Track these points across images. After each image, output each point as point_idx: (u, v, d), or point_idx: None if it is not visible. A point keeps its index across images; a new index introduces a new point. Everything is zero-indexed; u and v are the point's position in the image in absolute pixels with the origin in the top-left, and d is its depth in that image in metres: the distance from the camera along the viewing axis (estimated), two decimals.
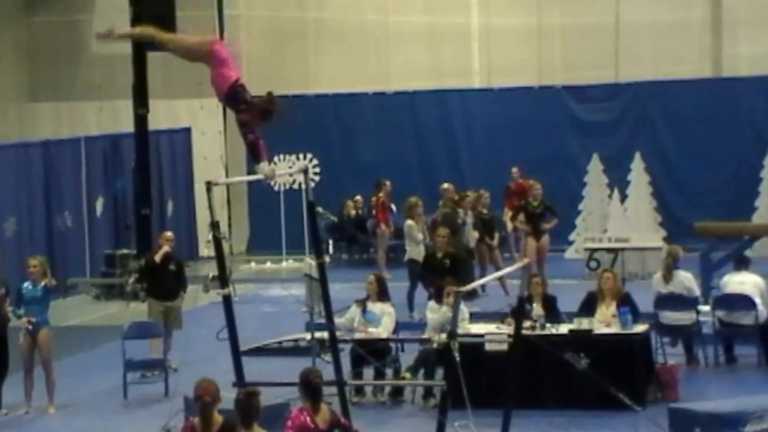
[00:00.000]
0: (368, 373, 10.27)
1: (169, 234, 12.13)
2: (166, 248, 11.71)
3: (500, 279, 12.76)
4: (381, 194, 16.84)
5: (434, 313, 10.49)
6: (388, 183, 17.01)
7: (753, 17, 17.67)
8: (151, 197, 16.22)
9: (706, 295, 11.91)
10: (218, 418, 6.09)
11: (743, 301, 11.00)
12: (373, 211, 17.24)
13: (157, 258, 11.69)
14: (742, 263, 11.49)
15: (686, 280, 11.20)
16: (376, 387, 10.17)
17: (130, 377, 10.73)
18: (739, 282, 11.20)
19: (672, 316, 11.04)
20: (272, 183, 7.74)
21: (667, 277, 11.14)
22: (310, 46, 19.53)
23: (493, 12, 18.99)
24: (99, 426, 9.88)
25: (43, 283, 10.27)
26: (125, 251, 16.29)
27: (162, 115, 17.57)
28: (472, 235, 14.78)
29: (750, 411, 8.59)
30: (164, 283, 11.65)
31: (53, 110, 19.13)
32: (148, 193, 16.10)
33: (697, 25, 18.07)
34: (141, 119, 15.88)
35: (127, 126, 16.45)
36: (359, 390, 10.24)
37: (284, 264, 17.92)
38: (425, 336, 10.43)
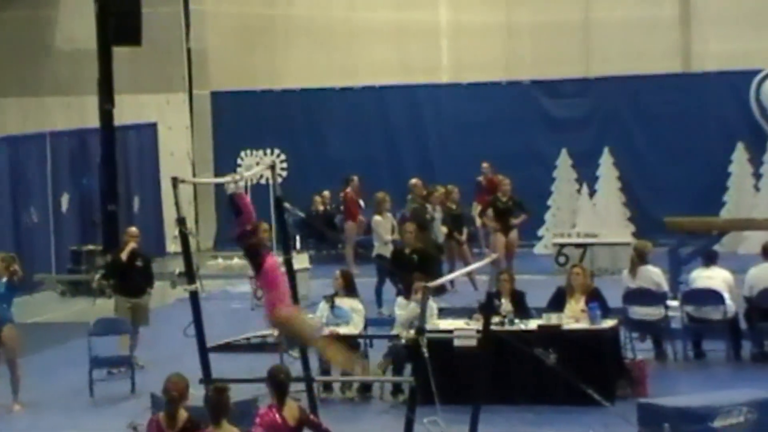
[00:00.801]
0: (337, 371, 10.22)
1: (134, 230, 12.02)
2: (132, 245, 11.60)
3: (469, 274, 12.74)
4: (349, 189, 16.78)
5: (403, 309, 10.46)
6: (356, 178, 16.95)
7: (721, 14, 17.79)
8: (117, 193, 16.08)
9: (675, 290, 11.95)
10: (183, 414, 6.03)
11: (712, 296, 11.04)
12: (341, 207, 17.18)
13: (124, 255, 11.58)
14: (710, 258, 11.53)
15: (655, 275, 11.22)
16: (344, 383, 10.11)
17: (97, 374, 10.62)
18: (707, 277, 11.24)
19: (641, 312, 11.05)
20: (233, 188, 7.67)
21: (633, 272, 11.16)
22: (277, 41, 19.43)
23: (461, 8, 18.97)
24: (65, 424, 9.78)
25: (4, 279, 10.12)
26: (92, 247, 16.14)
27: (128, 111, 17.40)
28: (441, 231, 14.76)
29: (719, 406, 8.62)
30: (131, 279, 11.57)
31: (19, 105, 18.89)
32: (114, 189, 15.95)
33: (667, 21, 18.15)
34: (107, 114, 15.73)
35: (94, 121, 16.29)
36: (327, 386, 10.18)
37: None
38: (394, 332, 10.39)
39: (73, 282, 15.92)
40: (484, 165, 16.99)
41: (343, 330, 10.26)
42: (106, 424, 9.38)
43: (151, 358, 11.34)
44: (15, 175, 15.86)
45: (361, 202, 17.15)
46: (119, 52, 15.78)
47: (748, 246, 15.34)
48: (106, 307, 13.33)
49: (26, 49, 18.75)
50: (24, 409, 10.16)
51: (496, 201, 15.18)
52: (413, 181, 15.34)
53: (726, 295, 11.04)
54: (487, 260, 8.23)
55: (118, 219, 15.79)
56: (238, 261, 17.86)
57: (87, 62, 16.46)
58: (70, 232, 16.72)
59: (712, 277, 11.19)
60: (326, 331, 9.86)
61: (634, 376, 9.97)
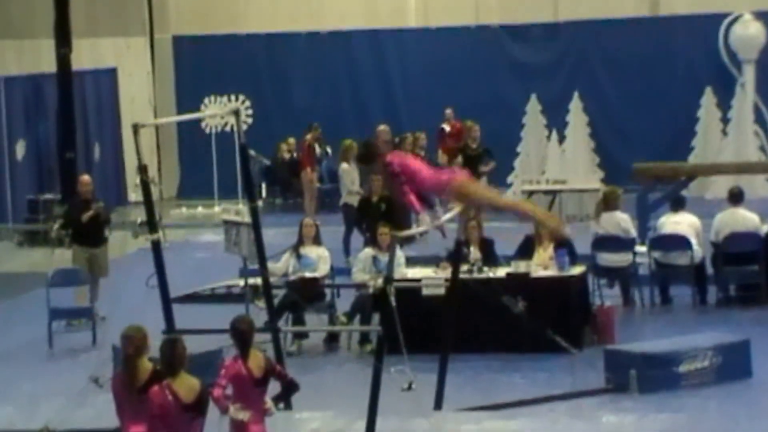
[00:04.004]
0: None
1: (86, 178, 11.76)
2: (91, 209, 11.23)
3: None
4: (309, 137, 16.49)
5: (361, 261, 10.34)
6: (316, 125, 16.69)
7: None
8: (75, 141, 15.76)
9: (643, 237, 11.95)
10: (147, 366, 5.89)
11: (679, 242, 11.06)
12: (299, 155, 16.95)
13: (85, 217, 11.22)
14: (678, 204, 11.53)
15: (623, 221, 11.22)
16: (294, 335, 9.99)
17: (56, 326, 10.46)
18: (675, 223, 11.26)
19: (609, 258, 11.07)
20: (204, 126, 7.58)
21: (597, 218, 11.14)
22: None
23: None
24: (24, 375, 9.63)
25: None
26: (49, 196, 15.88)
27: (86, 56, 17.00)
28: None
29: (684, 351, 8.73)
30: (86, 229, 11.28)
31: None
32: (72, 137, 15.64)
33: None
34: (63, 59, 15.33)
35: (49, 66, 15.88)
36: (299, 336, 10.05)
37: (216, 209, 17.61)
38: (353, 275, 10.27)
39: (30, 232, 15.68)
40: (448, 111, 16.82)
41: (308, 275, 10.13)
42: (66, 377, 9.23)
43: (113, 310, 11.16)
44: None
45: (329, 150, 16.95)
46: None
47: (716, 191, 15.40)
48: (64, 257, 13.13)
49: None
50: None
51: (465, 148, 15.07)
52: (381, 127, 15.14)
53: (693, 241, 11.07)
54: (456, 209, 8.12)
55: (76, 167, 15.50)
56: (202, 210, 17.69)
57: (41, 3, 15.99)
58: (26, 181, 16.44)
59: (679, 223, 11.21)
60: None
61: (601, 322, 10.00)
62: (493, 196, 7.45)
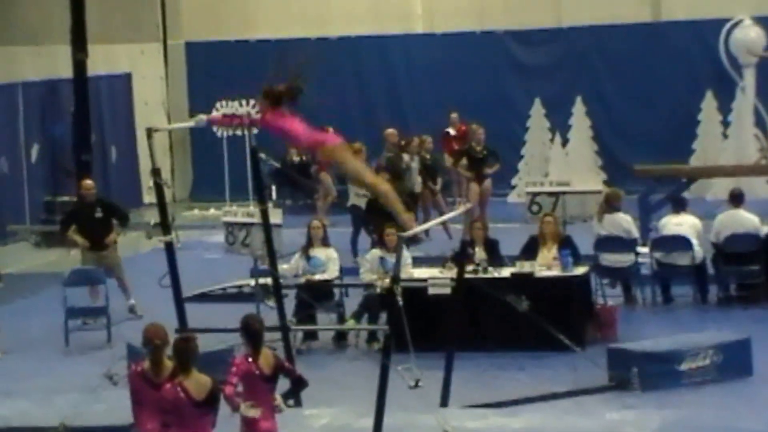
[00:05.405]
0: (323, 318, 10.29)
1: (88, 182, 11.79)
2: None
3: (443, 223, 12.83)
4: None
5: (368, 261, 10.50)
6: (331, 129, 16.87)
7: None
8: (91, 144, 15.99)
9: (645, 237, 12.10)
10: (168, 363, 6.06)
11: (680, 242, 11.19)
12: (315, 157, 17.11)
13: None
14: (679, 205, 11.67)
15: (625, 222, 11.35)
16: (304, 335, 10.11)
17: (72, 324, 10.62)
18: (676, 223, 11.38)
19: (611, 258, 11.19)
20: (216, 130, 7.86)
21: (600, 219, 11.28)
22: None
23: None
24: (40, 371, 9.80)
25: None
26: (66, 198, 16.08)
27: (101, 60, 17.23)
28: (418, 180, 14.83)
29: (685, 349, 8.83)
30: (92, 232, 11.32)
31: None
32: (87, 140, 15.84)
33: None
34: (80, 64, 15.55)
35: (64, 71, 16.11)
36: (308, 335, 10.21)
37: (236, 209, 17.82)
38: (361, 275, 10.43)
39: (47, 233, 15.88)
40: (453, 115, 17.01)
41: (318, 277, 10.33)
42: (81, 373, 9.39)
43: (127, 308, 11.40)
44: None
45: None
46: (91, 1, 15.59)
47: (716, 192, 15.53)
48: (79, 258, 13.34)
49: None
50: (5, 356, 10.20)
51: (470, 150, 15.24)
52: (389, 130, 15.35)
53: (694, 241, 11.19)
54: (461, 209, 8.31)
55: (91, 169, 15.72)
56: (214, 211, 17.89)
57: (57, 10, 16.24)
58: (42, 183, 16.60)
59: (680, 224, 11.33)
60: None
61: (604, 321, 10.13)
62: (359, 168, 7.29)
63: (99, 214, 11.41)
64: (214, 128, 17.21)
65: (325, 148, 7.07)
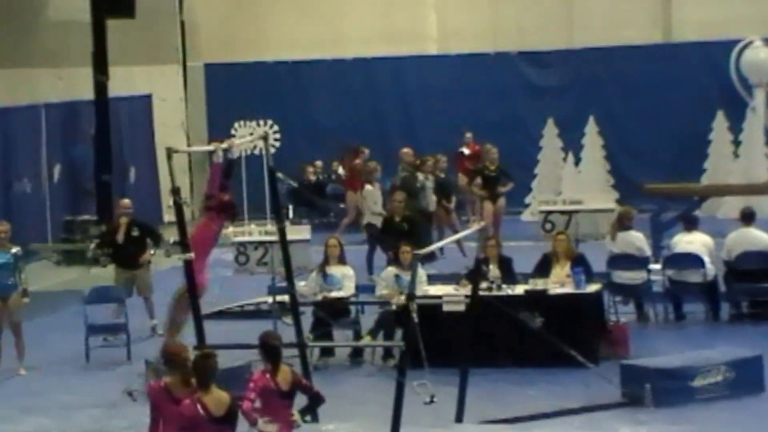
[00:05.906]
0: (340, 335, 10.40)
1: (126, 201, 12.01)
2: (122, 228, 11.50)
3: (458, 241, 12.96)
4: (358, 161, 16.81)
5: (383, 280, 10.60)
6: (366, 151, 16.95)
7: None
8: (111, 164, 16.20)
9: (657, 255, 12.18)
10: (187, 379, 6.05)
11: (692, 260, 11.27)
12: (343, 176, 17.17)
13: (120, 238, 11.51)
14: (691, 223, 11.75)
15: (637, 240, 11.44)
16: (321, 351, 10.23)
17: (92, 341, 10.75)
18: (688, 241, 11.46)
19: (624, 276, 11.27)
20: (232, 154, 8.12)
21: (614, 237, 11.37)
22: (266, 12, 19.49)
23: None
24: (60, 387, 9.92)
25: (14, 250, 10.28)
26: (86, 217, 16.28)
27: (121, 83, 17.48)
28: (433, 199, 14.97)
29: (698, 365, 8.89)
30: (126, 251, 11.57)
31: (8, 77, 18.93)
32: (108, 160, 16.06)
33: None
34: (100, 86, 15.79)
35: (84, 93, 16.35)
36: (325, 352, 10.33)
37: (246, 229, 17.97)
38: (377, 293, 10.55)
39: (67, 251, 16.08)
40: (468, 135, 17.17)
41: (334, 295, 10.46)
42: (101, 388, 9.52)
43: (146, 326, 11.54)
44: (7, 147, 15.93)
45: None
46: (111, 24, 15.84)
47: (727, 210, 15.61)
48: (100, 275, 13.50)
49: (16, 19, 18.76)
50: (27, 373, 10.34)
51: (484, 169, 15.36)
52: (404, 150, 15.50)
53: (706, 259, 11.26)
54: (475, 227, 8.43)
55: (111, 189, 15.94)
56: (232, 230, 18.05)
57: (78, 34, 16.50)
58: (61, 203, 16.78)
59: (692, 242, 11.41)
60: None
61: (617, 338, 10.18)
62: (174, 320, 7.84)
63: (135, 233, 11.61)
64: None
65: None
